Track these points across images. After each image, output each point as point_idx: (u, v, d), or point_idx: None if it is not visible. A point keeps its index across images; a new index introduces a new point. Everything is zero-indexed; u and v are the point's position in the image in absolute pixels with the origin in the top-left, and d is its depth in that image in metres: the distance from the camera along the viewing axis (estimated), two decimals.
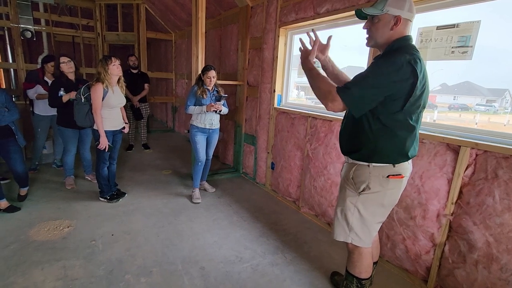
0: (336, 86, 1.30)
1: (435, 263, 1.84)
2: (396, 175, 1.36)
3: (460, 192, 1.70)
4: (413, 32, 1.93)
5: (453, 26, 1.69)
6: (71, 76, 2.95)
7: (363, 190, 1.40)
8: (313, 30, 1.54)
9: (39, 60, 4.35)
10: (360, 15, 1.38)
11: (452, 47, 1.71)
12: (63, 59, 2.89)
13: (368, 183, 1.38)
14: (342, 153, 1.53)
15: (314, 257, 2.20)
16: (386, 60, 1.24)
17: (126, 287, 1.79)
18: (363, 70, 1.33)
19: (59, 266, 1.94)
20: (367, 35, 1.39)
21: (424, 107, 1.36)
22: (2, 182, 2.88)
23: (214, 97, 2.99)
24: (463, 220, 1.68)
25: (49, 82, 3.41)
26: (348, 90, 1.25)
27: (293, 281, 1.93)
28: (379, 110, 1.28)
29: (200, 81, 2.95)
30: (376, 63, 1.28)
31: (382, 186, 1.37)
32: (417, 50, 1.29)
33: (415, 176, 1.90)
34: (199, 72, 3.03)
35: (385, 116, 1.29)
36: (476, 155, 1.63)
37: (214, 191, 3.35)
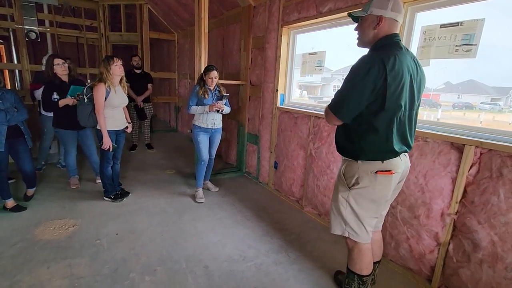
0: (329, 103, 1.42)
1: (439, 262, 1.83)
2: (386, 171, 1.40)
3: (465, 191, 1.69)
4: (416, 30, 1.93)
5: (457, 24, 1.68)
6: (65, 78, 2.87)
7: (353, 185, 1.46)
8: None
9: (43, 61, 4.38)
10: (353, 18, 1.46)
11: (456, 46, 1.70)
12: (57, 60, 2.80)
13: (357, 178, 1.44)
14: (337, 150, 1.59)
15: (318, 256, 2.20)
16: (359, 62, 1.30)
17: (130, 286, 1.81)
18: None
19: (64, 265, 1.97)
20: (357, 36, 1.47)
21: (411, 107, 1.38)
22: (9, 181, 2.91)
23: (216, 97, 3.00)
24: (468, 219, 1.67)
25: None
26: (335, 104, 1.38)
27: (297, 280, 1.93)
28: (364, 111, 1.34)
29: (202, 81, 2.96)
30: (352, 67, 1.33)
31: (370, 182, 1.42)
32: (400, 48, 1.34)
33: (418, 175, 1.89)
34: (202, 72, 3.04)
35: (370, 117, 1.34)
36: (481, 154, 1.62)
37: (217, 190, 3.36)
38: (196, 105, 2.97)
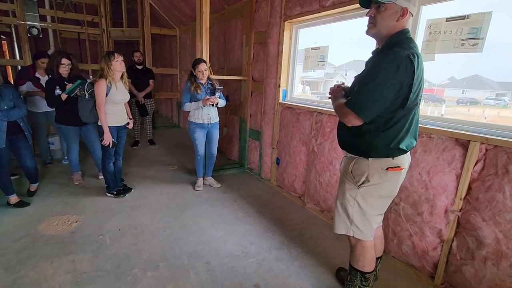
0: (345, 100, 1.33)
1: (442, 260, 1.82)
2: (395, 167, 1.38)
3: (469, 188, 1.67)
4: (421, 24, 1.89)
5: (463, 17, 1.65)
6: (65, 75, 2.91)
7: (362, 183, 1.43)
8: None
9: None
10: (363, 2, 1.36)
11: (462, 39, 1.66)
12: (65, 61, 2.85)
13: (367, 175, 1.40)
14: (341, 147, 1.55)
15: (320, 252, 2.20)
16: (386, 59, 1.23)
17: (133, 281, 1.81)
18: (364, 70, 1.35)
19: (68, 260, 1.98)
20: (370, 23, 1.36)
21: (420, 102, 1.37)
22: (12, 178, 2.93)
23: (209, 91, 2.96)
24: (472, 216, 1.66)
25: (41, 78, 3.43)
26: (358, 103, 1.28)
27: (299, 277, 1.93)
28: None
29: (193, 76, 2.92)
30: (377, 64, 1.26)
31: (381, 179, 1.39)
32: (415, 44, 1.30)
33: (422, 171, 1.87)
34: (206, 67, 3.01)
35: (386, 114, 1.30)
36: (486, 150, 1.60)
37: (219, 186, 3.36)
38: (190, 102, 2.94)
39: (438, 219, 1.82)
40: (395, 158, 1.37)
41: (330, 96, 1.58)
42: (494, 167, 1.56)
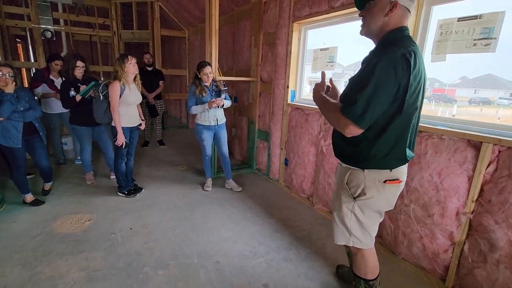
0: (340, 107, 1.21)
1: (453, 262, 1.80)
2: (394, 180, 1.30)
3: (481, 190, 1.65)
4: (433, 24, 1.88)
5: (475, 17, 1.62)
6: (79, 77, 3.00)
7: (358, 196, 1.35)
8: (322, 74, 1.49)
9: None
10: (360, 5, 1.31)
11: (474, 39, 1.64)
12: (79, 63, 2.95)
13: (363, 188, 1.33)
14: (335, 155, 1.47)
15: (328, 253, 2.20)
16: (382, 59, 1.13)
17: (144, 279, 1.85)
18: (358, 73, 1.26)
19: (81, 258, 2.04)
20: (362, 23, 1.32)
21: (420, 108, 1.27)
22: (27, 177, 3.02)
23: (214, 93, 2.98)
24: (484, 219, 1.63)
25: (55, 80, 3.53)
26: (357, 111, 1.15)
27: (307, 277, 1.94)
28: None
29: (197, 79, 2.93)
30: (372, 66, 1.14)
31: (378, 192, 1.32)
32: (414, 43, 1.21)
33: (433, 173, 1.85)
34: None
35: (383, 121, 1.22)
36: (499, 151, 1.57)
37: (240, 190, 3.27)
38: (196, 104, 2.97)
39: (449, 221, 1.80)
40: (393, 170, 1.29)
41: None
42: (507, 169, 1.54)
